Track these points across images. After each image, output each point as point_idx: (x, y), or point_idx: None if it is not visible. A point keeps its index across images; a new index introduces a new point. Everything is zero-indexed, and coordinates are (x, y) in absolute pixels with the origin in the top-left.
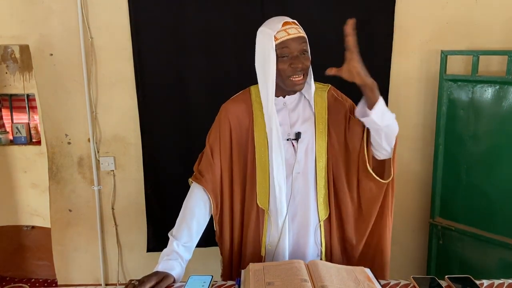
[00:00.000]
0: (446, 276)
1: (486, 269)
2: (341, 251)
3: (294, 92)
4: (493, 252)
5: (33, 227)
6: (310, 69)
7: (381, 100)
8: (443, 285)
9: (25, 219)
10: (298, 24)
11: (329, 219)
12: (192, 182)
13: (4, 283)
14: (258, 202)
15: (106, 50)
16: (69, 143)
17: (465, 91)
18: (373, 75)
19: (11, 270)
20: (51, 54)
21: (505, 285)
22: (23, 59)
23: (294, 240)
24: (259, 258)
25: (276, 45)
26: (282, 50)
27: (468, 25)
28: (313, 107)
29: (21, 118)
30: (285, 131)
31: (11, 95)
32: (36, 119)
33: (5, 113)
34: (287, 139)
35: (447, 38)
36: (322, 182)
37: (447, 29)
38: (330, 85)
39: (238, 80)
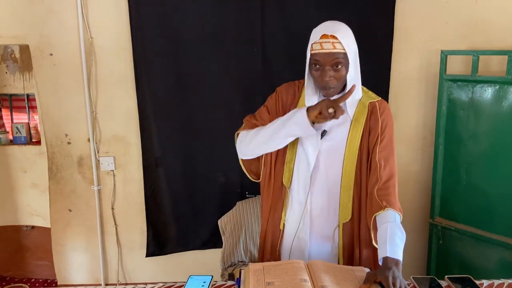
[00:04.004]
0: (446, 276)
1: (486, 269)
2: (360, 256)
3: (336, 92)
4: (493, 252)
5: (33, 227)
6: (354, 77)
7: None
8: (443, 285)
9: (25, 219)
10: (338, 37)
11: (351, 223)
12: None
13: (4, 283)
14: (283, 179)
15: (106, 50)
16: (69, 143)
17: (465, 91)
18: (373, 75)
19: (11, 270)
20: (51, 54)
21: (505, 285)
22: (23, 59)
23: (313, 233)
24: (278, 232)
25: (310, 54)
26: (315, 61)
27: (468, 25)
28: (351, 112)
29: (21, 118)
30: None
31: (11, 95)
32: (36, 119)
33: (5, 113)
34: None
35: (447, 38)
36: (347, 185)
37: (447, 29)
38: (381, 99)
39: (238, 80)
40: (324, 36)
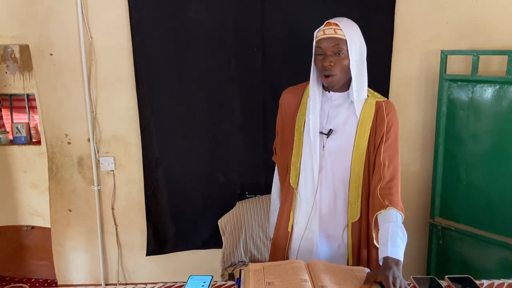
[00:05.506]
0: (446, 276)
1: (486, 269)
2: (368, 255)
3: (340, 90)
4: (493, 252)
5: (33, 227)
6: (360, 73)
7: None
8: (443, 285)
9: (25, 219)
10: (340, 25)
11: (359, 222)
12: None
13: (4, 283)
14: (290, 180)
15: (106, 50)
16: (69, 143)
17: (465, 91)
18: (373, 75)
19: (11, 270)
20: (51, 54)
21: (505, 285)
22: (23, 59)
23: (321, 233)
24: (286, 233)
25: (315, 43)
26: (317, 48)
27: (468, 25)
28: (359, 111)
29: (21, 118)
30: (321, 123)
31: (11, 95)
32: (36, 119)
33: (5, 113)
34: (320, 132)
35: (447, 38)
36: (355, 184)
37: (447, 29)
38: (387, 100)
39: (238, 80)
40: (327, 23)
